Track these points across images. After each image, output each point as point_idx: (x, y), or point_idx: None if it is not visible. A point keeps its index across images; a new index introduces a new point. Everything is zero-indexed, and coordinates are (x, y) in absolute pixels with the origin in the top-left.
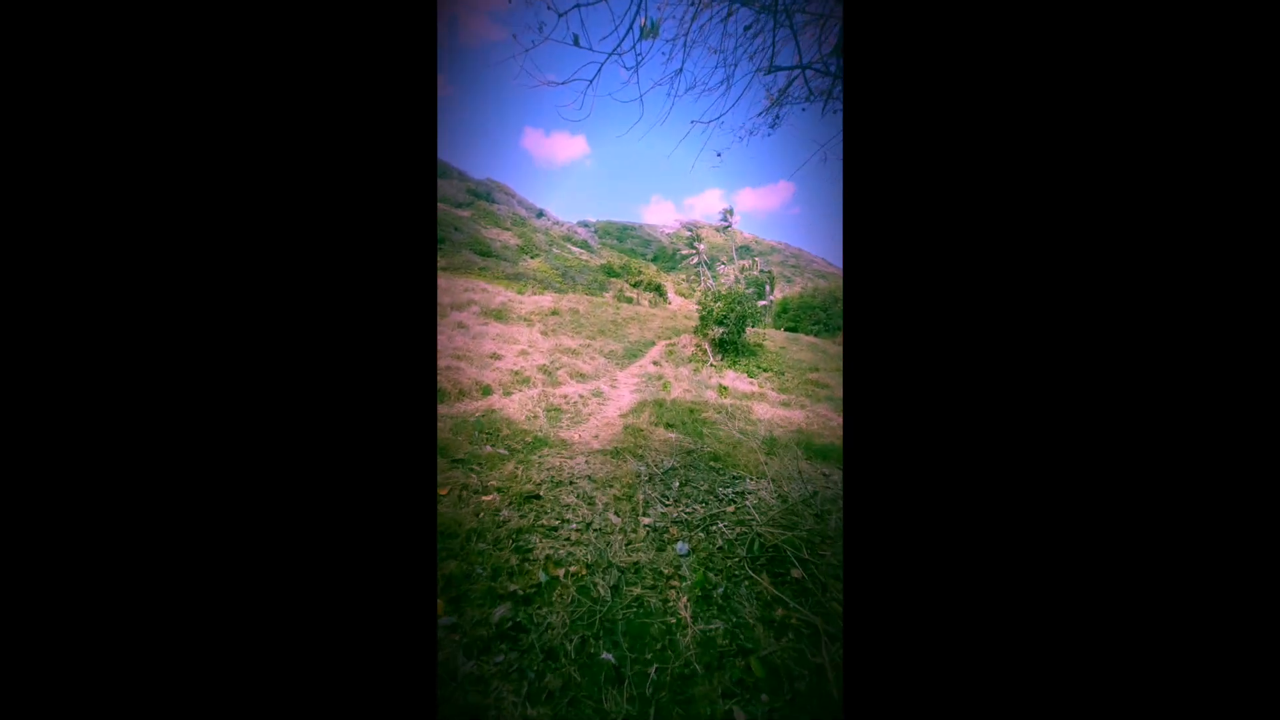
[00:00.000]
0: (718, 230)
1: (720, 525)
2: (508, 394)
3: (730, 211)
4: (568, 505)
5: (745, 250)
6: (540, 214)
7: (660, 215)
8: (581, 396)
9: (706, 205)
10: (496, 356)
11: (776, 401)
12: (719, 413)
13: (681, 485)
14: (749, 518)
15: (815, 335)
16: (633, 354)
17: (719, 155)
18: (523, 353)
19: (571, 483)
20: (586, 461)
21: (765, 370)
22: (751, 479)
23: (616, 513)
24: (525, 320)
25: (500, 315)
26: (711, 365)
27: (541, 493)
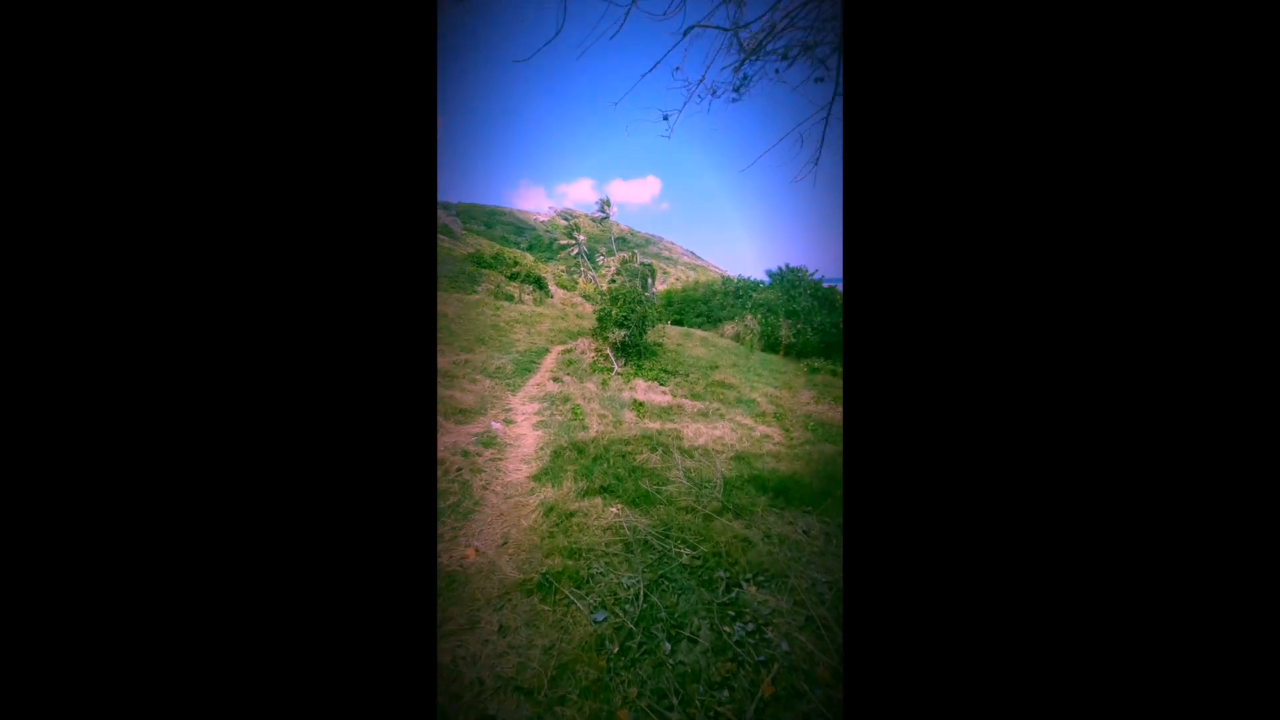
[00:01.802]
0: (594, 220)
1: None
2: None
3: (607, 202)
4: None
5: (623, 242)
6: None
7: (531, 201)
8: (466, 453)
9: (579, 194)
10: None
11: (696, 413)
12: (653, 448)
13: (690, 673)
14: None
15: (701, 328)
16: (524, 367)
17: (666, 118)
18: None
19: None
20: (510, 642)
21: (672, 374)
22: (773, 594)
23: None
24: None
25: None
26: (618, 374)
27: None
